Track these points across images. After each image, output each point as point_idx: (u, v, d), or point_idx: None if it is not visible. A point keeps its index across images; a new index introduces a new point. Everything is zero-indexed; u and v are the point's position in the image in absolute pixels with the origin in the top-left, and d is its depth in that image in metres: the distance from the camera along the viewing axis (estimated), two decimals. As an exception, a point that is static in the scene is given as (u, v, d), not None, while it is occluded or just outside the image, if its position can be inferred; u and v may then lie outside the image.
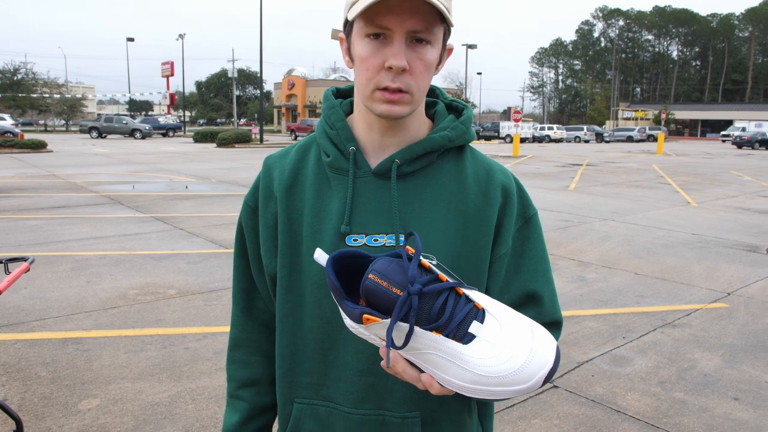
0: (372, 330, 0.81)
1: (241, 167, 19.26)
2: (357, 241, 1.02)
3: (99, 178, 15.22)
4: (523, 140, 45.60)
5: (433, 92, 1.18)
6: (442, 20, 0.95)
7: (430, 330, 0.77)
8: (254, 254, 1.15)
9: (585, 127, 57.49)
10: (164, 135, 48.72)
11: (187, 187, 13.63)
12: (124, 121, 42.17)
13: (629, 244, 8.08)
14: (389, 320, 0.77)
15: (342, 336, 1.03)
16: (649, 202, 12.55)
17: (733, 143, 47.37)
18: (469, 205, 1.05)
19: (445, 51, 1.03)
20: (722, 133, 58.63)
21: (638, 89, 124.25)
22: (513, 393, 0.77)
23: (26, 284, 5.55)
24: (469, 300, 0.80)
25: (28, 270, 2.44)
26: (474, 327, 0.78)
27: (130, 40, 60.69)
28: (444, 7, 0.92)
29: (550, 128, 53.40)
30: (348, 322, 0.86)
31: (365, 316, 0.79)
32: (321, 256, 0.86)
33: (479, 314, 0.79)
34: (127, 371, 3.81)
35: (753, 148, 44.69)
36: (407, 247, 0.82)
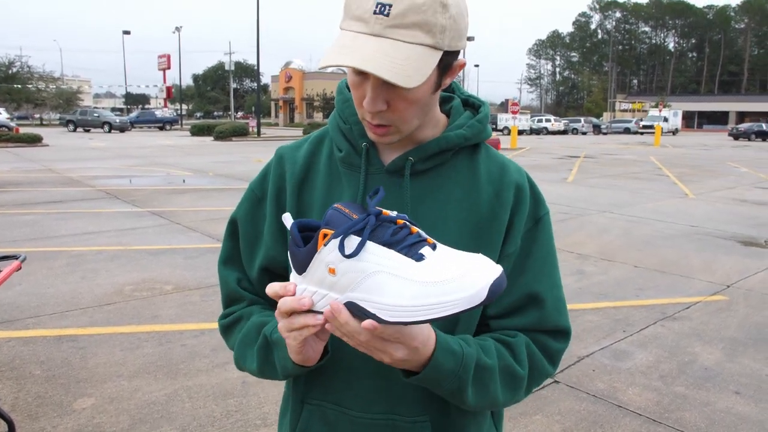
0: (323, 255, 0.79)
1: (238, 161, 19.18)
2: None
3: (95, 172, 15.14)
4: (520, 132, 45.45)
5: (448, 86, 1.12)
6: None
7: (382, 245, 0.78)
8: (249, 248, 1.11)
9: (582, 118, 57.38)
10: (161, 128, 48.59)
11: (184, 181, 13.56)
12: (95, 114, 43.40)
13: (628, 236, 8.05)
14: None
15: None
16: (647, 194, 12.53)
17: (730, 134, 47.45)
18: (482, 205, 1.02)
19: (453, 68, 0.94)
20: (643, 124, 54.42)
21: (635, 81, 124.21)
22: (460, 302, 0.74)
23: (21, 280, 5.50)
24: (420, 235, 0.81)
25: (20, 268, 2.39)
26: (425, 250, 0.78)
27: (127, 33, 60.39)
28: (404, 75, 0.82)
29: (548, 120, 53.22)
30: (300, 283, 0.85)
31: (324, 231, 0.80)
32: (287, 219, 0.86)
33: (432, 246, 0.80)
34: (123, 369, 3.77)
35: (749, 140, 44.74)
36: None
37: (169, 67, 53.26)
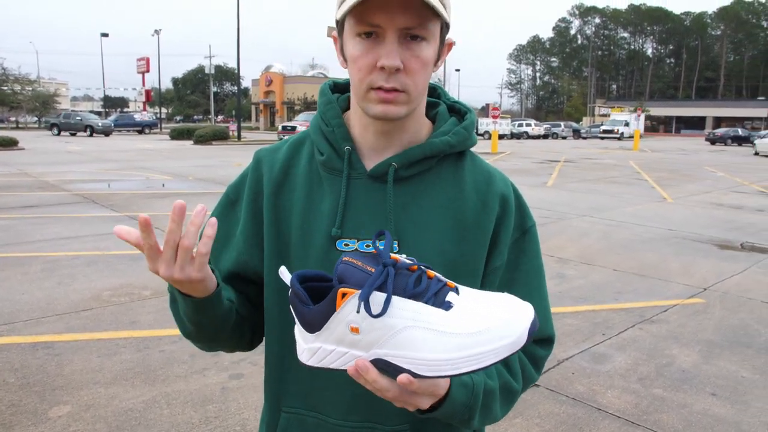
0: (343, 314, 0.75)
1: (218, 165, 19.04)
2: (348, 246, 0.98)
3: (72, 176, 14.93)
4: (501, 137, 45.73)
5: (434, 92, 1.13)
6: (437, 15, 0.90)
7: (408, 298, 0.74)
8: (216, 250, 1.08)
9: (563, 123, 57.98)
10: (140, 132, 48.09)
11: (163, 185, 13.43)
12: (78, 118, 42.71)
13: (607, 240, 8.13)
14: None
15: None
16: (626, 198, 12.67)
17: (707, 139, 48.24)
18: (466, 214, 1.01)
19: (444, 47, 0.98)
20: (603, 128, 52.13)
21: (614, 86, 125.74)
22: (501, 350, 0.73)
23: (-5, 286, 5.40)
24: (440, 280, 0.78)
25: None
26: (451, 296, 0.76)
27: (105, 35, 59.72)
28: (437, 2, 0.87)
29: (528, 124, 53.59)
30: (307, 345, 0.80)
31: (342, 290, 0.74)
32: (285, 273, 0.82)
33: (454, 289, 0.78)
34: (99, 376, 3.71)
35: (726, 145, 45.51)
36: (374, 251, 0.79)
37: (148, 71, 52.75)
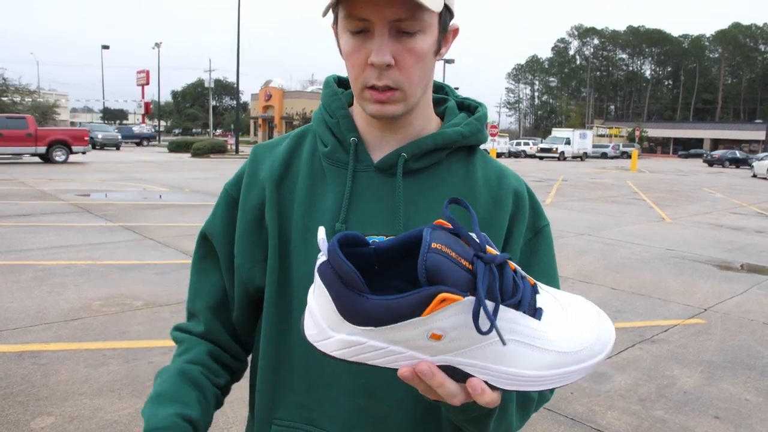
0: (431, 321, 0.61)
1: (215, 177, 18.98)
2: None
3: (68, 186, 14.86)
4: (499, 155, 45.76)
5: (442, 89, 1.07)
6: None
7: (509, 307, 0.63)
8: (226, 257, 1.01)
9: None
10: (138, 144, 48.15)
11: (160, 196, 13.36)
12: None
13: (606, 259, 8.06)
14: (471, 297, 0.60)
15: None
16: (625, 217, 12.62)
17: (705, 161, 48.44)
18: (478, 210, 0.94)
19: (447, 34, 0.91)
20: (540, 146, 46.41)
21: (612, 107, 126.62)
22: (587, 369, 0.67)
23: (-16, 294, 5.30)
24: (523, 276, 0.68)
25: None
26: (539, 299, 0.67)
27: (105, 47, 60.05)
28: None
29: (526, 143, 53.63)
30: (338, 335, 0.65)
31: (442, 295, 0.59)
32: (323, 241, 0.65)
33: (535, 288, 0.68)
34: (85, 387, 3.61)
35: (723, 166, 45.68)
36: (442, 221, 0.66)
37: (147, 83, 52.87)
